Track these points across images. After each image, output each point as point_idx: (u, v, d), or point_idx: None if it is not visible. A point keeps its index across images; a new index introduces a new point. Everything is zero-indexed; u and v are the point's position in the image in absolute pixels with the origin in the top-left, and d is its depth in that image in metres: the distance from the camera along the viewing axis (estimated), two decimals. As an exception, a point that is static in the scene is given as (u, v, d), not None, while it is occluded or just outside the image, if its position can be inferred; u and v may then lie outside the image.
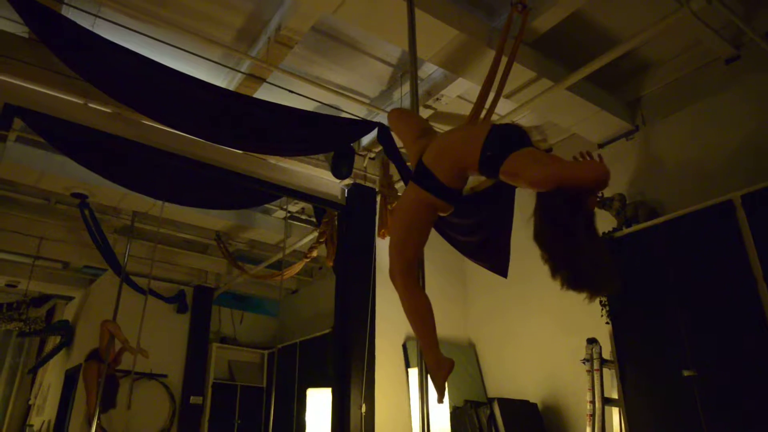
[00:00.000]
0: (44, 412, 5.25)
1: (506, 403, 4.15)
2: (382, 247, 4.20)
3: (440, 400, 1.80)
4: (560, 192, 1.53)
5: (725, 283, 3.11)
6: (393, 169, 4.37)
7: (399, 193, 4.37)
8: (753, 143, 3.48)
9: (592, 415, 3.50)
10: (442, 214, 1.95)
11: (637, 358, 3.45)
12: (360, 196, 4.66)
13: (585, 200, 1.57)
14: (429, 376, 1.93)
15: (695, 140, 3.83)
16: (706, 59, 3.85)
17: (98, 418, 4.34)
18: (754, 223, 3.03)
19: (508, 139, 1.76)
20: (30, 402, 5.73)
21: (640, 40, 3.42)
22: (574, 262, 1.49)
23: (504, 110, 4.10)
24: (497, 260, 4.40)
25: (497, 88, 3.22)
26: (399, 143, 3.73)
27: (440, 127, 4.41)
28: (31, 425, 5.49)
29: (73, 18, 3.18)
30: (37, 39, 3.23)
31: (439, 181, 1.83)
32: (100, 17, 3.34)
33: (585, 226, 1.53)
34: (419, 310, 1.90)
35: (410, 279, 1.92)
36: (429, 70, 3.94)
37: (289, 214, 5.51)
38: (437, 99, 4.03)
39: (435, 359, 1.82)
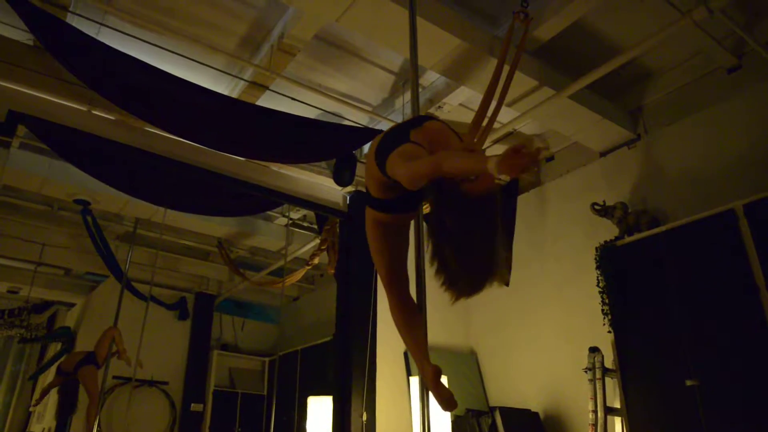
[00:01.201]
0: (44, 419, 5.23)
1: (508, 412, 4.13)
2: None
3: (444, 408, 1.76)
4: (437, 184, 1.42)
5: (728, 292, 3.10)
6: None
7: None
8: (755, 152, 3.48)
9: (595, 425, 3.48)
10: (400, 224, 1.94)
11: (640, 368, 3.43)
12: (362, 203, 4.65)
13: (453, 189, 1.39)
14: None
15: (697, 149, 3.83)
16: (707, 68, 3.85)
17: (98, 424, 4.34)
18: (757, 232, 3.02)
19: (387, 141, 1.68)
20: (30, 409, 5.72)
21: (642, 49, 3.43)
22: (444, 259, 1.40)
23: (506, 118, 4.11)
24: (499, 268, 4.39)
25: (499, 96, 3.23)
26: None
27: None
28: (31, 432, 5.47)
29: (77, 26, 3.20)
30: (42, 46, 3.25)
31: (371, 195, 1.85)
32: (104, 25, 3.36)
33: (461, 219, 1.38)
34: (402, 321, 1.90)
35: (392, 291, 1.92)
36: (431, 78, 3.95)
37: (290, 221, 5.51)
38: (439, 107, 4.03)
39: (420, 367, 1.80)
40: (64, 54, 3.10)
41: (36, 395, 5.48)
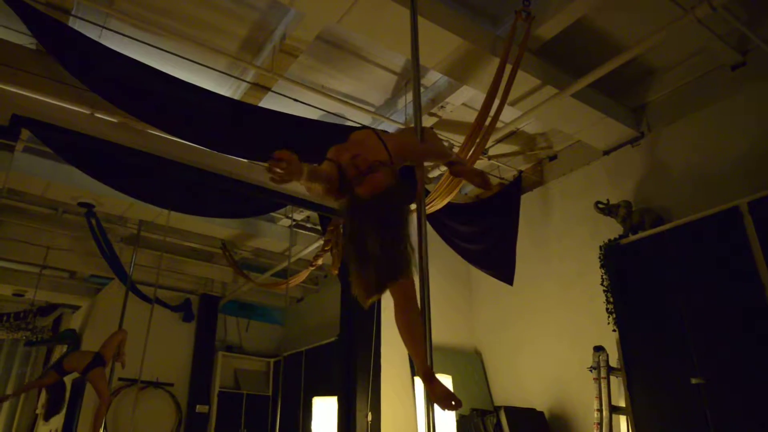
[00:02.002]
0: (51, 421, 5.26)
1: (513, 412, 4.13)
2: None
3: (441, 407, 1.75)
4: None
5: (732, 290, 3.09)
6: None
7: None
8: (760, 149, 3.47)
9: (600, 424, 3.47)
10: None
11: (645, 366, 3.43)
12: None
13: (351, 193, 1.56)
14: None
15: (701, 146, 3.81)
16: (711, 65, 3.84)
17: (105, 426, 4.35)
18: (761, 230, 3.01)
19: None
20: (37, 411, 5.74)
21: (645, 46, 3.41)
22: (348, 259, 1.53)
23: (509, 117, 4.10)
24: (503, 268, 4.39)
25: (502, 95, 3.23)
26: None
27: (445, 135, 4.42)
28: (38, 434, 5.49)
29: (80, 29, 3.21)
30: (45, 50, 3.26)
31: None
32: (106, 28, 3.37)
33: (356, 219, 1.52)
34: (403, 323, 1.91)
35: (393, 294, 1.93)
36: (434, 78, 3.95)
37: (294, 223, 5.52)
38: (442, 107, 4.03)
39: (417, 369, 1.81)
40: (67, 57, 3.11)
41: (40, 398, 5.50)
